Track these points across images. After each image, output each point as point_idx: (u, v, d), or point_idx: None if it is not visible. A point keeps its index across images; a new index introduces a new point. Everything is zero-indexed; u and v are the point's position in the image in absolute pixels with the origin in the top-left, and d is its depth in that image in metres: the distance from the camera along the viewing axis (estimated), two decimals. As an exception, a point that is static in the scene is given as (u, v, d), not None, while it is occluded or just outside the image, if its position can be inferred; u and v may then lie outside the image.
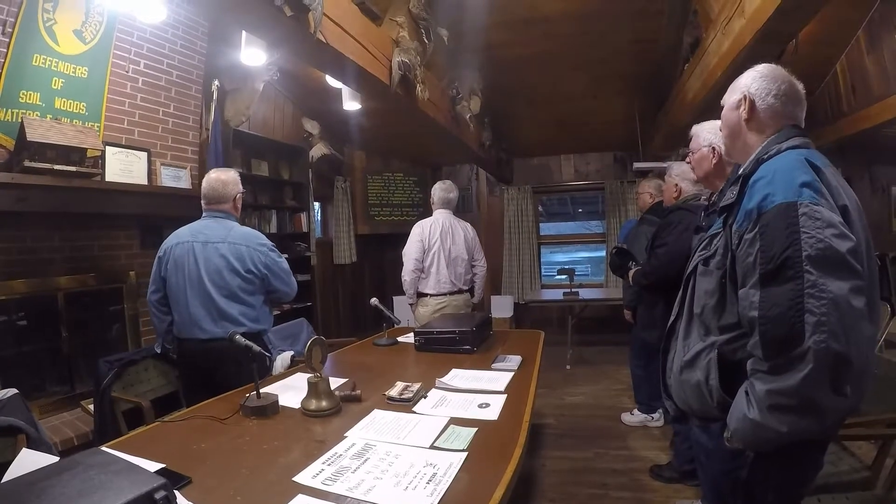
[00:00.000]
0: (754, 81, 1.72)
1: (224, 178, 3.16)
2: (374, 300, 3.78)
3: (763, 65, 1.75)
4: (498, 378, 2.66)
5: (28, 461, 1.50)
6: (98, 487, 1.14)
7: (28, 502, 1.09)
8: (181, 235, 3.08)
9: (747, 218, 1.51)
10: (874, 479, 2.41)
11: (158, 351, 3.48)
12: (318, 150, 7.21)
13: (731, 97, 1.80)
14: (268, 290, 3.16)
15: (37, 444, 2.21)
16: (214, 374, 2.88)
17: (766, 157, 1.62)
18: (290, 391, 2.50)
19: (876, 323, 1.59)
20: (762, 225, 1.46)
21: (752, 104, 1.71)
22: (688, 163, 2.65)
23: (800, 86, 1.72)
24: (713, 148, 2.42)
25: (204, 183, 3.16)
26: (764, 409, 1.40)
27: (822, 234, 1.36)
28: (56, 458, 1.50)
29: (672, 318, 1.94)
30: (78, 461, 1.26)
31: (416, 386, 2.41)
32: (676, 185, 3.58)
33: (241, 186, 3.24)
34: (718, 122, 2.44)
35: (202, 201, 3.16)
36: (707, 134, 2.46)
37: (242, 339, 2.37)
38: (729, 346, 1.62)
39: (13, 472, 1.44)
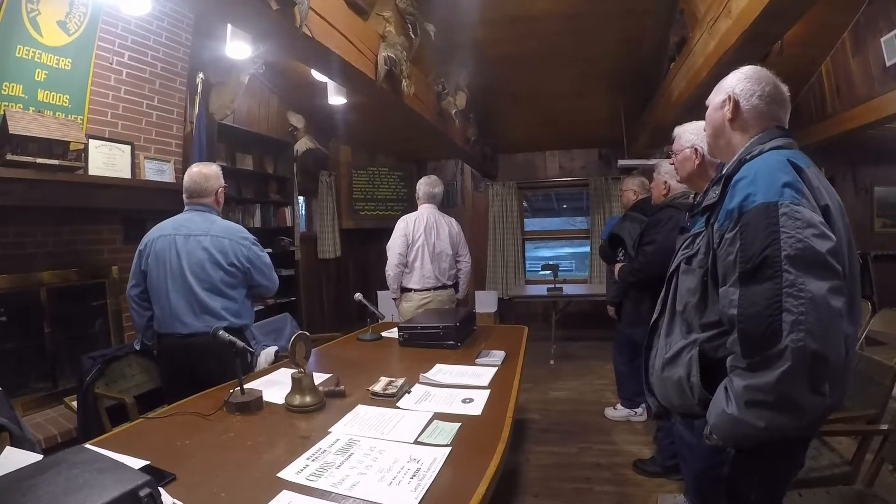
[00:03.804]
0: (739, 82, 1.74)
1: (206, 172, 3.16)
2: (358, 295, 3.77)
3: (748, 66, 1.77)
4: (482, 373, 2.68)
5: (12, 459, 1.49)
6: (82, 485, 1.14)
7: (12, 501, 1.09)
8: (163, 228, 3.07)
9: (728, 217, 1.53)
10: (854, 473, 2.45)
11: (138, 348, 3.46)
12: (303, 145, 7.18)
13: (715, 97, 1.82)
14: (249, 284, 3.17)
15: (20, 442, 2.19)
16: (195, 370, 2.88)
17: (748, 157, 1.63)
18: (274, 387, 2.50)
19: (857, 323, 1.61)
20: (743, 224, 1.47)
21: (736, 104, 1.73)
22: (671, 164, 2.66)
23: (784, 88, 1.74)
24: (695, 149, 2.43)
25: (186, 177, 3.16)
26: (741, 404, 1.42)
27: (801, 233, 1.38)
28: (40, 456, 1.49)
29: (655, 315, 1.96)
30: (62, 459, 1.26)
31: (400, 381, 2.42)
32: (665, 182, 3.60)
33: (222, 180, 3.25)
34: (701, 123, 2.45)
35: (184, 195, 3.16)
36: (689, 135, 2.47)
37: (226, 335, 2.36)
38: (710, 343, 1.63)
39: (-4, 470, 1.44)
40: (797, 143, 1.69)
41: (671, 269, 1.89)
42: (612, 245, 4.31)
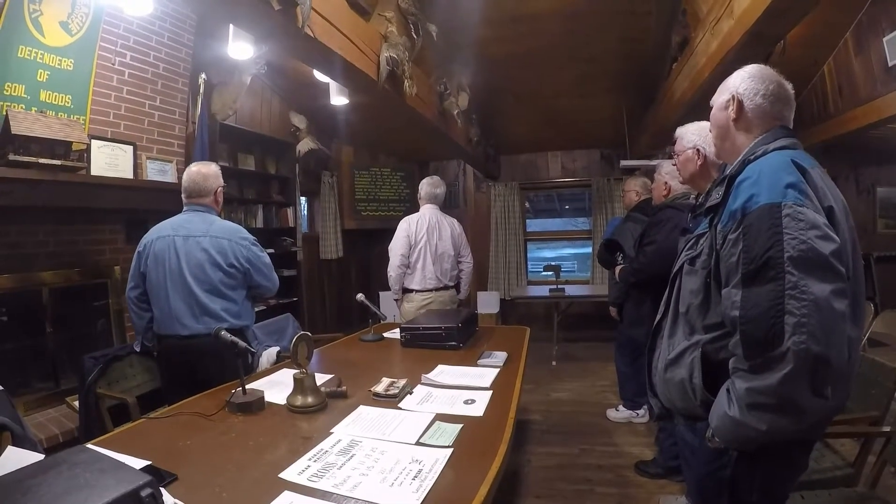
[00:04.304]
0: (743, 82, 1.72)
1: (205, 172, 3.14)
2: (360, 295, 3.77)
3: (752, 65, 1.76)
4: (483, 374, 2.68)
5: (13, 459, 1.49)
6: (84, 485, 1.14)
7: (14, 501, 1.09)
8: (162, 230, 3.05)
9: (732, 218, 1.52)
10: (857, 476, 2.44)
11: (138, 349, 3.46)
12: (305, 145, 7.17)
13: (719, 97, 1.80)
14: (249, 285, 3.15)
15: (22, 442, 2.19)
16: (195, 371, 2.87)
17: (752, 157, 1.62)
18: (276, 387, 2.50)
19: (860, 325, 1.60)
20: (746, 225, 1.46)
21: (740, 104, 1.71)
22: (673, 165, 2.66)
23: (788, 86, 1.72)
24: (697, 150, 2.43)
25: (185, 176, 3.14)
26: (743, 406, 1.42)
27: (804, 235, 1.37)
28: (41, 456, 1.49)
29: (658, 316, 1.95)
30: (63, 459, 1.26)
31: (402, 382, 2.42)
32: (666, 183, 3.60)
33: (222, 180, 3.22)
34: (703, 124, 2.46)
35: (182, 195, 3.15)
36: (691, 136, 2.47)
37: (228, 336, 2.36)
38: (713, 345, 1.63)
39: (-2, 469, 1.44)
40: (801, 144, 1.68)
41: (675, 270, 1.88)
42: (609, 250, 4.31)
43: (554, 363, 6.87)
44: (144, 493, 1.16)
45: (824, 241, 1.37)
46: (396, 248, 4.54)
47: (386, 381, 2.45)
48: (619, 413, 4.83)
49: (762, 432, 1.40)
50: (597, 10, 5.00)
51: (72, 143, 3.69)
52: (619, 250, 4.17)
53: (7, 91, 3.49)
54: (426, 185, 4.74)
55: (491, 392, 2.41)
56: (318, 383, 2.31)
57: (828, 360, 1.32)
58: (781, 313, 1.34)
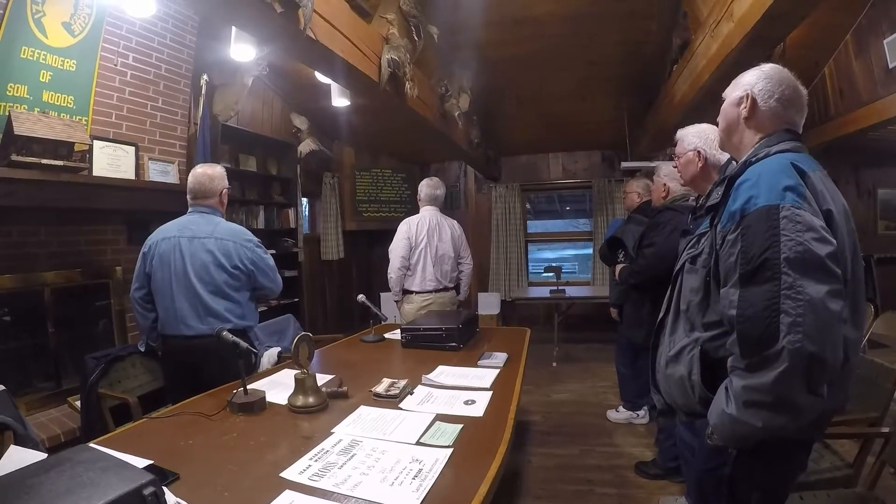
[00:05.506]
0: (759, 81, 1.71)
1: (210, 173, 3.15)
2: (361, 296, 3.78)
3: (769, 65, 1.75)
4: (484, 375, 2.68)
5: (15, 458, 1.50)
6: (86, 484, 1.15)
7: (16, 500, 1.09)
8: (167, 231, 3.06)
9: (731, 219, 1.54)
10: (856, 476, 2.44)
11: (142, 349, 3.47)
12: (306, 146, 7.18)
13: (733, 92, 1.79)
14: (253, 286, 3.15)
15: (24, 441, 2.19)
16: (199, 371, 2.86)
17: (753, 159, 1.64)
18: (277, 387, 2.51)
19: (860, 327, 1.61)
20: (744, 226, 1.49)
21: (754, 103, 1.71)
22: (674, 167, 2.66)
23: (803, 91, 1.72)
24: (698, 152, 2.43)
25: (190, 178, 3.14)
26: (740, 404, 1.44)
27: (801, 237, 1.39)
28: (44, 455, 1.50)
29: (661, 314, 1.97)
30: (66, 458, 1.26)
31: (403, 382, 2.43)
32: (665, 185, 3.60)
33: (227, 181, 3.23)
34: (703, 126, 2.46)
35: (188, 196, 3.15)
36: (692, 138, 2.47)
37: (230, 336, 2.37)
38: (712, 343, 1.65)
39: (0, 469, 1.44)
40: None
41: (677, 268, 1.90)
42: (611, 248, 4.31)
43: (554, 364, 6.88)
44: (147, 491, 1.16)
45: (820, 244, 1.39)
46: (397, 250, 4.53)
47: (386, 381, 2.46)
48: (620, 414, 4.84)
49: (758, 429, 1.42)
50: (598, 13, 5.00)
51: (74, 143, 3.69)
52: (621, 248, 4.18)
53: (10, 92, 3.51)
54: (425, 187, 4.74)
55: (491, 393, 2.41)
56: (319, 383, 2.32)
57: (823, 359, 1.35)
58: (777, 313, 1.37)
